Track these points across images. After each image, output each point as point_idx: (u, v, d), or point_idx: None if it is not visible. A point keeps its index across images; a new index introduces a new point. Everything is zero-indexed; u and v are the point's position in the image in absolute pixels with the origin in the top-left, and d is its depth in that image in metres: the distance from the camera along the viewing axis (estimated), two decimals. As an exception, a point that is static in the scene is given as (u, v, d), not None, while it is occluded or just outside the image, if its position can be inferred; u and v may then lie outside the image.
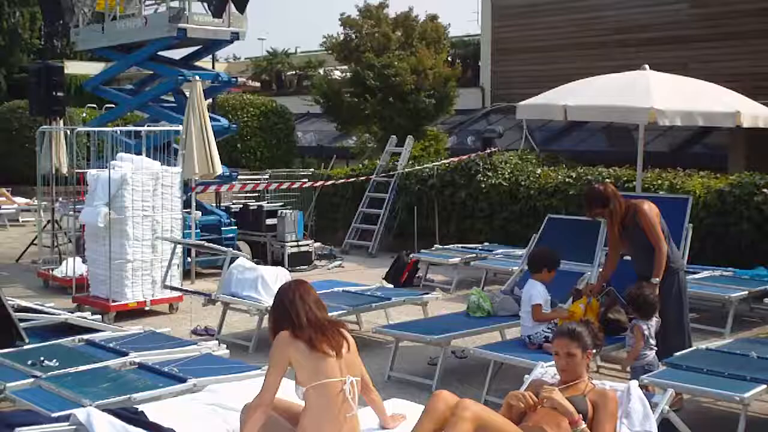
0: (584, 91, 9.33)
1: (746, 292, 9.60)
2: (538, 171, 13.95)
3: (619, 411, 4.78)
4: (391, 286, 10.57)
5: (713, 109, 9.01)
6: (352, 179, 15.82)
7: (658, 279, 7.03)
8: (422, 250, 12.87)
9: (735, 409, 6.14)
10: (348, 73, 20.63)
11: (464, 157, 15.10)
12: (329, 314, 4.67)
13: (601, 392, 4.78)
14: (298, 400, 4.64)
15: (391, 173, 15.46)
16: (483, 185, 14.16)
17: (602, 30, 18.33)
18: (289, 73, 36.03)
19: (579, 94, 9.22)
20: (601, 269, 8.18)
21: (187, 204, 11.76)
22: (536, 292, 7.28)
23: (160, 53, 13.55)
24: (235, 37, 13.19)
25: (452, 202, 14.57)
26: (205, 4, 12.77)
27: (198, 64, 14.36)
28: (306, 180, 16.25)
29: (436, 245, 13.27)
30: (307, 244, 13.91)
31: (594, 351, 5.03)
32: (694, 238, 11.02)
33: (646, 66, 9.57)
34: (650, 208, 7.24)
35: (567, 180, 13.27)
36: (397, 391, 6.88)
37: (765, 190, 11.19)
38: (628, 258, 7.60)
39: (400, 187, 15.37)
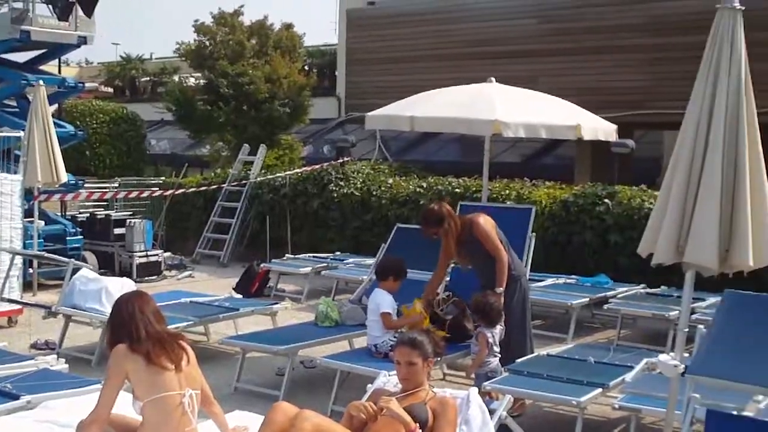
0: (431, 103, 9.46)
1: (587, 299, 9.92)
2: (390, 181, 14.08)
3: (458, 418, 4.83)
4: (241, 296, 10.45)
5: (555, 121, 9.28)
6: (204, 188, 15.60)
7: (501, 288, 7.17)
8: (273, 260, 12.80)
9: (573, 412, 6.31)
10: (201, 81, 20.34)
11: (317, 166, 15.11)
12: (175, 325, 4.58)
13: (441, 400, 4.82)
14: (136, 414, 4.52)
15: (244, 182, 15.32)
16: (335, 195, 14.19)
17: (455, 43, 18.62)
18: (143, 80, 35.25)
19: (426, 106, 9.35)
20: (447, 278, 8.31)
21: (30, 213, 11.35)
22: (383, 300, 7.32)
23: (2, 56, 13.03)
24: (83, 41, 12.83)
25: (305, 212, 14.54)
26: (50, 6, 12.37)
27: (45, 68, 13.90)
28: (156, 188, 15.92)
29: (287, 255, 13.22)
30: (157, 254, 13.61)
31: (435, 359, 5.08)
32: (539, 246, 11.32)
33: (492, 79, 9.78)
34: (485, 221, 7.37)
35: (418, 190, 13.44)
36: (243, 403, 6.77)
37: (607, 200, 11.59)
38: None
39: (252, 196, 15.24)
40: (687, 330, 5.12)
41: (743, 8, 4.84)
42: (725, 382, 4.70)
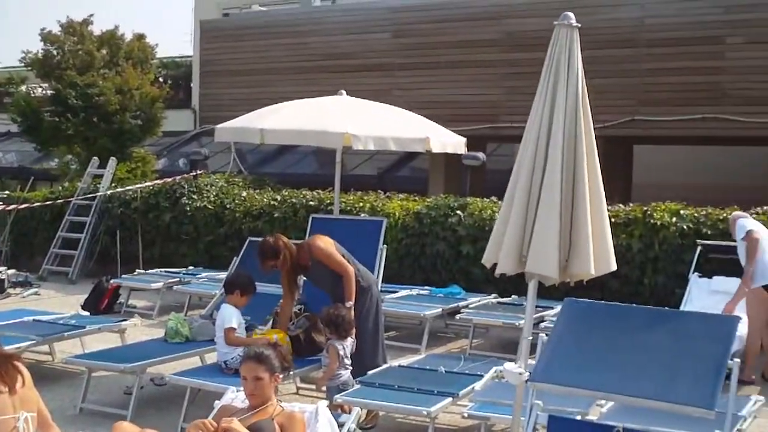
0: (281, 115, 9.42)
1: (440, 310, 10.04)
2: (244, 194, 13.94)
3: (307, 432, 4.79)
4: (89, 313, 10.12)
5: (405, 134, 9.38)
6: (50, 202, 15.08)
7: (351, 302, 7.18)
8: (124, 276, 12.47)
9: (424, 422, 6.36)
10: (49, 91, 19.65)
11: (169, 179, 14.82)
12: (16, 345, 4.38)
13: (289, 415, 4.77)
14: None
15: (93, 196, 14.88)
16: (188, 208, 13.95)
17: (311, 55, 18.61)
18: (-11, 89, 33.90)
19: (276, 118, 9.29)
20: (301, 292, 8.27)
21: None
22: (228, 315, 7.23)
23: None
24: None
25: (157, 226, 14.24)
26: None
27: None
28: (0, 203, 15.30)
29: (138, 270, 12.91)
30: (0, 272, 13.07)
31: (283, 374, 5.02)
32: (393, 258, 11.46)
33: (343, 91, 9.81)
34: (323, 242, 7.39)
35: (272, 203, 13.35)
36: (89, 424, 6.59)
37: (458, 212, 11.77)
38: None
39: (102, 211, 14.81)
40: (531, 338, 5.24)
41: (579, 25, 4.99)
42: (567, 389, 4.81)
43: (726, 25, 14.51)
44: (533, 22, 15.39)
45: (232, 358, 7.05)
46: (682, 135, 15.48)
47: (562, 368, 4.75)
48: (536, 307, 9.49)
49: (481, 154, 13.17)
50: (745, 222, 9.00)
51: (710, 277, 9.86)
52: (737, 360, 4.96)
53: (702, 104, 14.73)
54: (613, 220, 10.71)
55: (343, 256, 7.34)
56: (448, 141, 9.90)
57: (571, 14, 4.97)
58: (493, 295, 10.74)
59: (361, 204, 12.56)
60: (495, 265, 5.14)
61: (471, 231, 11.55)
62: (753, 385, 8.37)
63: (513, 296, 10.57)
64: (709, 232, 10.37)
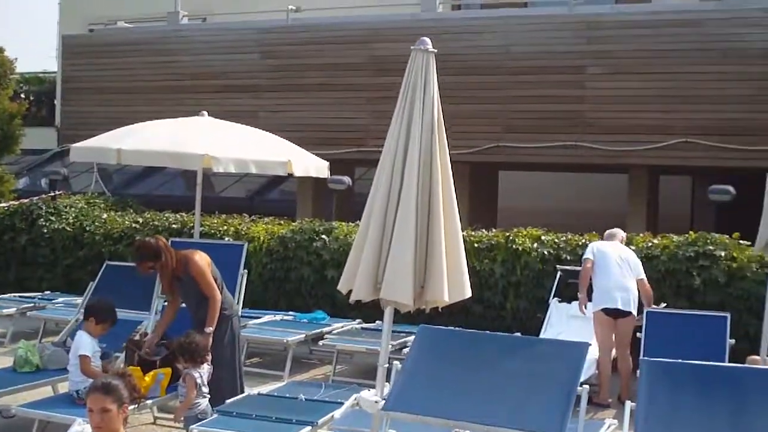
0: (140, 135, 9.18)
1: (304, 335, 9.94)
2: (105, 216, 13.55)
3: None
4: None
5: (266, 157, 9.27)
6: None
7: (211, 328, 7.06)
8: (-27, 301, 11.93)
9: (281, 452, 6.24)
10: None
11: (25, 200, 14.28)
12: None
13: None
14: None
15: (-57, 217, 14.20)
16: (45, 230, 13.47)
17: (176, 75, 18.26)
18: None
19: (135, 138, 9.04)
20: (158, 318, 8.06)
21: None
22: (82, 343, 6.97)
23: None
24: None
25: (12, 248, 13.68)
26: None
27: None
28: None
29: (-9, 295, 12.37)
30: None
31: (132, 404, 4.84)
32: (257, 282, 11.32)
33: (205, 112, 9.65)
34: (201, 258, 7.27)
35: (134, 225, 13.03)
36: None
37: (324, 236, 11.72)
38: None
39: (-51, 234, 14.16)
40: (388, 365, 5.20)
41: (436, 51, 5.01)
42: (420, 417, 4.78)
43: (588, 55, 14.92)
44: (401, 47, 15.42)
45: (84, 388, 6.78)
46: (544, 162, 15.82)
47: (416, 396, 4.72)
48: (400, 332, 9.59)
49: (346, 178, 13.15)
50: (590, 246, 9.26)
51: (569, 302, 10.06)
52: (586, 386, 5.03)
53: (563, 132, 15.09)
54: (476, 245, 10.89)
55: (215, 280, 7.21)
56: (311, 164, 9.83)
57: (427, 39, 4.99)
58: (358, 320, 10.70)
59: (225, 227, 12.36)
60: (351, 291, 5.09)
61: (336, 255, 11.50)
62: (609, 409, 8.54)
63: (377, 321, 10.54)
64: (568, 258, 10.60)
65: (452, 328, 5.31)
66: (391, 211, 4.88)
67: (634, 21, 14.39)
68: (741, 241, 10.31)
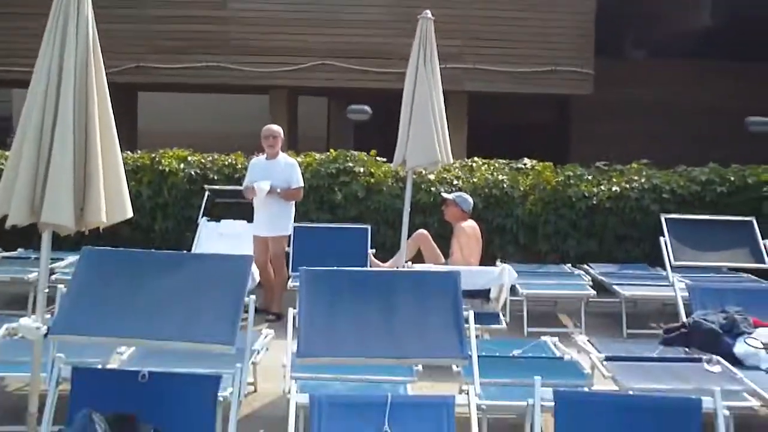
0: None
1: None
2: None
3: None
4: None
5: None
6: None
7: None
8: None
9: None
10: None
11: None
12: None
13: None
14: None
15: None
16: None
17: None
18: None
19: None
20: None
21: None
22: None
23: None
24: None
25: None
26: None
27: None
28: None
29: None
30: None
31: None
32: None
33: None
34: None
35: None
36: None
37: None
38: None
39: None
40: (48, 291, 5.08)
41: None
42: (89, 338, 4.76)
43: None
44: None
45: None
46: (186, 83, 15.77)
47: (84, 318, 4.68)
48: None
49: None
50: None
51: (218, 221, 10.27)
52: (253, 296, 5.30)
53: (205, 52, 15.11)
54: (122, 167, 10.69)
55: None
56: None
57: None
58: (-1, 249, 10.18)
59: None
60: (5, 217, 4.89)
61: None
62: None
63: (19, 249, 10.11)
64: (215, 177, 10.75)
65: (117, 248, 5.26)
66: (46, 133, 4.71)
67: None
68: (378, 158, 11.00)
